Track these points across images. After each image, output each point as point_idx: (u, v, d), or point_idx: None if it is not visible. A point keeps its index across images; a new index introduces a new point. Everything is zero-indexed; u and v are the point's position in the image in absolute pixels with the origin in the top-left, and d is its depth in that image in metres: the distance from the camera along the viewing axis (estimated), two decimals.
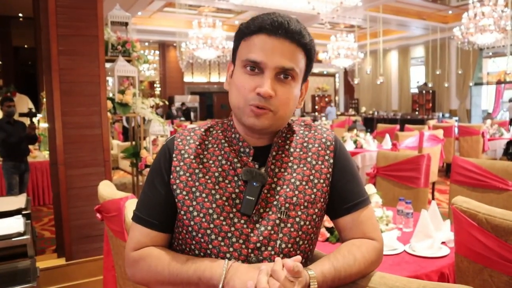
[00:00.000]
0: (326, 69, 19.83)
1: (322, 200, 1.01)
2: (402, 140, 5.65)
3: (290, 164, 1.01)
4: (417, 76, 17.02)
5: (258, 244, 0.94)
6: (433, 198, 5.45)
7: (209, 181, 0.98)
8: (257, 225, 0.95)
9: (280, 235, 0.95)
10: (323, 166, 1.02)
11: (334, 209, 1.04)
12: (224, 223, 0.95)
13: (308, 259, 1.03)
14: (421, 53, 16.50)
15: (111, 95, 3.30)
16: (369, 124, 13.36)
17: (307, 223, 0.98)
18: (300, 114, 18.48)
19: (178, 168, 1.00)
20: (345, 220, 1.03)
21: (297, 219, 0.97)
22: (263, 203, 0.97)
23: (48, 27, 2.58)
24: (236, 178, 0.98)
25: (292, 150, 1.03)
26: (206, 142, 1.03)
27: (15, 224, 2.04)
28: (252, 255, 0.94)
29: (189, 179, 0.99)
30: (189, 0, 11.00)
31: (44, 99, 7.48)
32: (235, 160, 0.99)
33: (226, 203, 0.96)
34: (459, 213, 1.41)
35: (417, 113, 15.91)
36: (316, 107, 20.10)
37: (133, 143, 3.75)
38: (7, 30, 11.74)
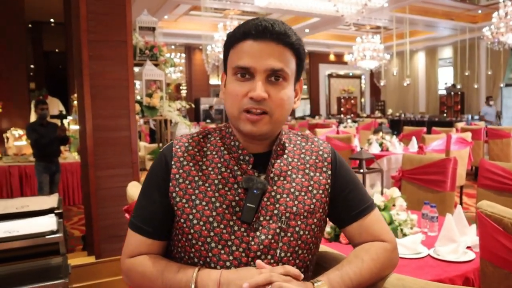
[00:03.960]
0: (352, 70, 19.66)
1: (321, 210, 1.02)
2: (428, 143, 5.56)
3: (289, 173, 1.02)
4: (445, 78, 16.69)
5: (259, 253, 0.94)
6: (460, 202, 5.35)
7: (209, 188, 0.97)
8: (258, 233, 0.95)
9: (280, 244, 0.95)
10: (321, 178, 1.04)
11: (341, 218, 1.06)
12: (224, 231, 0.94)
13: (309, 269, 1.04)
14: (449, 54, 16.18)
15: (138, 98, 3.38)
16: (396, 126, 13.16)
17: (306, 233, 0.98)
18: (326, 116, 18.37)
19: (177, 176, 0.99)
20: (353, 227, 1.05)
21: (297, 229, 0.97)
22: (263, 211, 0.96)
23: (79, 33, 2.67)
24: (236, 186, 0.98)
25: (290, 159, 1.04)
26: (205, 149, 1.03)
27: (48, 223, 2.09)
28: (252, 263, 0.94)
29: (189, 186, 0.98)
30: (215, 4, 11.11)
31: (75, 102, 7.72)
32: (235, 167, 0.99)
33: (226, 211, 0.95)
34: (484, 217, 1.40)
35: (445, 115, 15.59)
36: (342, 109, 19.95)
37: (160, 145, 3.83)
38: (39, 35, 12.13)
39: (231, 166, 0.99)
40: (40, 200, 2.62)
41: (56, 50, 13.38)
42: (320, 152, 1.06)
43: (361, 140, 7.22)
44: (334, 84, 20.16)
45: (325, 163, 1.05)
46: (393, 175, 3.20)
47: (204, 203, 0.96)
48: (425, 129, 7.59)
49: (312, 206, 1.00)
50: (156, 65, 3.56)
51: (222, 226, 0.95)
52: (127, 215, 2.17)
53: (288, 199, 0.98)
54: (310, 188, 1.01)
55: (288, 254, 0.96)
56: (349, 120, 13.04)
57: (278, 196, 0.98)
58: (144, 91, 3.35)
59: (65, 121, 7.05)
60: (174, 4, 10.92)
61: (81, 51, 2.66)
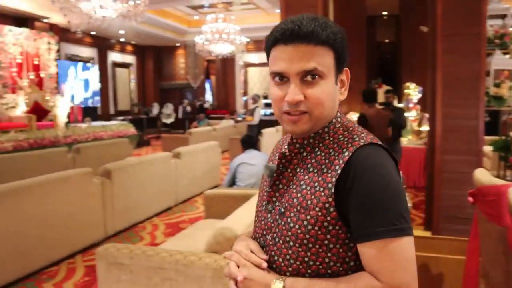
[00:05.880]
0: None
1: (317, 209, 0.94)
2: None
3: (309, 166, 1.01)
4: None
5: (264, 232, 1.05)
6: None
7: None
8: (269, 215, 1.05)
9: (276, 229, 1.01)
10: (329, 175, 0.95)
11: (351, 233, 0.94)
12: (259, 208, 1.11)
13: (310, 269, 0.97)
14: None
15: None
16: None
17: (297, 227, 0.96)
18: None
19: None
20: (358, 248, 0.93)
21: (288, 220, 0.98)
22: (280, 197, 1.03)
23: (435, 29, 2.94)
24: None
25: (319, 153, 1.01)
26: (282, 143, 1.18)
27: None
28: (261, 239, 1.06)
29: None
30: None
31: (406, 90, 8.17)
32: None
33: (266, 193, 1.08)
34: None
35: None
36: None
37: (504, 136, 3.72)
38: (373, 28, 13.19)
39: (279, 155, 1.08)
40: None
41: (386, 41, 14.20)
42: (344, 149, 0.96)
43: None
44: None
45: (340, 161, 0.95)
46: None
47: (262, 184, 1.16)
48: None
49: (308, 202, 0.96)
50: (505, 53, 3.47)
51: (260, 204, 1.12)
52: (470, 199, 2.32)
53: (294, 191, 1.00)
54: (316, 184, 0.97)
55: (280, 242, 1.00)
56: None
57: (292, 186, 1.02)
58: (491, 81, 3.35)
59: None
60: None
61: (435, 45, 2.92)
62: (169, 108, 17.43)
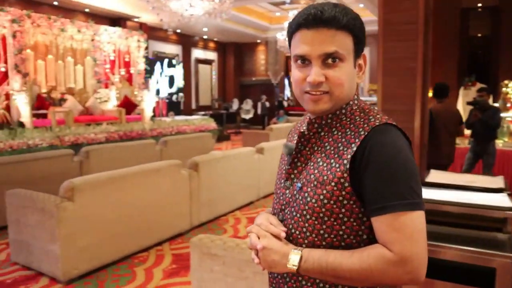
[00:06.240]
0: None
1: (333, 184, 0.99)
2: None
3: (326, 144, 1.06)
4: None
5: (283, 207, 1.11)
6: None
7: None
8: (287, 191, 1.10)
9: (294, 204, 1.07)
10: (345, 153, 1.01)
11: (365, 208, 0.99)
12: (278, 185, 1.16)
13: (324, 241, 1.02)
14: None
15: None
16: None
17: (313, 201, 1.02)
18: None
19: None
20: (372, 222, 0.98)
21: (306, 195, 1.04)
22: (298, 174, 1.08)
23: None
24: None
25: (336, 133, 1.06)
26: (299, 126, 1.24)
27: (499, 200, 2.14)
28: (280, 214, 1.11)
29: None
30: None
31: (503, 89, 7.56)
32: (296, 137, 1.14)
33: (284, 171, 1.13)
34: None
35: None
36: None
37: None
38: (466, 22, 12.36)
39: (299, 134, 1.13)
40: (486, 179, 2.83)
41: (478, 35, 13.27)
42: (360, 128, 1.02)
43: None
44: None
45: (356, 140, 1.00)
46: None
47: (281, 163, 1.22)
48: None
49: (325, 177, 1.01)
50: None
51: (278, 182, 1.17)
52: None
53: (311, 168, 1.05)
54: (332, 160, 1.02)
55: (298, 215, 1.05)
56: None
57: (310, 163, 1.07)
58: None
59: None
60: None
61: None
62: (248, 104, 17.72)
